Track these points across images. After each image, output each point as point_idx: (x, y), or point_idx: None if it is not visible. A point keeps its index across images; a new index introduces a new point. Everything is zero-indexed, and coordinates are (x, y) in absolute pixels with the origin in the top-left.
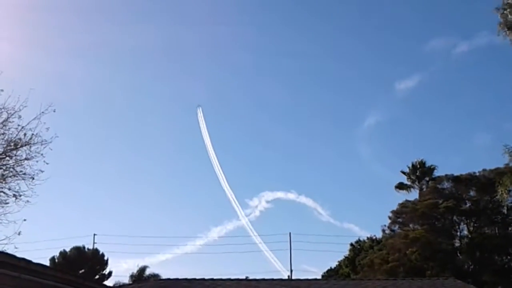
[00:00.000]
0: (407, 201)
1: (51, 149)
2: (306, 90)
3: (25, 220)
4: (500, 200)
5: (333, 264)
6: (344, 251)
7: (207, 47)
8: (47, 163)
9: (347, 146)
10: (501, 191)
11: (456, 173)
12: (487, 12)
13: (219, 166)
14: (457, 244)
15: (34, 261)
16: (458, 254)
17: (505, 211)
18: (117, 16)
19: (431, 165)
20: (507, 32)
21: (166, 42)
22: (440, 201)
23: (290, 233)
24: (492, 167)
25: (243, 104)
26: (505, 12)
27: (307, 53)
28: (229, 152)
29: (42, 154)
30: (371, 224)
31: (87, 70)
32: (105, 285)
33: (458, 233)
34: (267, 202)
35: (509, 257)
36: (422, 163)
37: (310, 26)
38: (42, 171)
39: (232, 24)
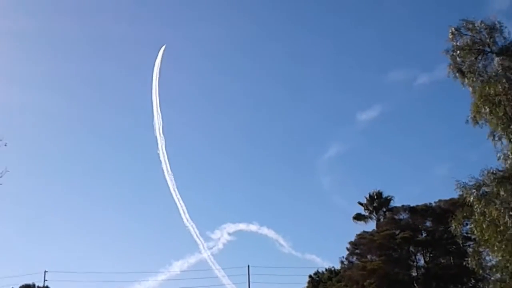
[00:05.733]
0: (364, 232)
1: (0, 184)
2: (271, 121)
3: None
4: (454, 234)
5: None
6: (303, 283)
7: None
8: None
9: (308, 177)
10: (455, 225)
11: (414, 204)
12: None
13: (180, 199)
14: (414, 274)
15: None
16: (415, 285)
17: (460, 241)
18: None
19: (388, 196)
20: (457, 74)
21: None
22: (397, 232)
23: (248, 266)
24: (449, 197)
25: (205, 137)
26: (454, 54)
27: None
28: (191, 185)
29: None
30: (333, 255)
31: None
32: None
33: (415, 264)
34: (229, 234)
35: (464, 286)
36: (379, 194)
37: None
38: None
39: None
